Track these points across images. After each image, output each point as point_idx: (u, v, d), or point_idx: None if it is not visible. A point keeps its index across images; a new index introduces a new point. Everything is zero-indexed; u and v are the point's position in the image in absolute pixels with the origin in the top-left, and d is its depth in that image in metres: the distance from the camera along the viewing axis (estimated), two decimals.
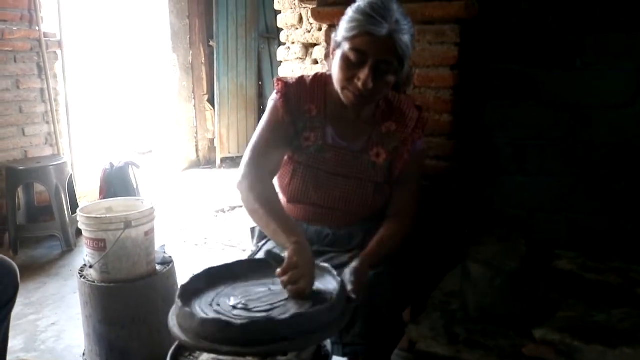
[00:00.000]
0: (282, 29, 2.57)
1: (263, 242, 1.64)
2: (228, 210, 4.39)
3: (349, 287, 1.19)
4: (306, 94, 1.49)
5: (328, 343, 1.21)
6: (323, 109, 1.50)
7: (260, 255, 1.56)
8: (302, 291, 1.15)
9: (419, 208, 1.53)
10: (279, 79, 1.51)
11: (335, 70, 1.39)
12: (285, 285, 1.16)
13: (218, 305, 1.15)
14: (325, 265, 1.28)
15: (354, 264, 1.27)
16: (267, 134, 1.47)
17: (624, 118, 1.67)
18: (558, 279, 1.44)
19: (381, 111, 1.51)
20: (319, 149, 1.48)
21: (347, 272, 1.24)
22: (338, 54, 1.37)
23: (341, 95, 1.41)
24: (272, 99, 1.51)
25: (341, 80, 1.37)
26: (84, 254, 2.10)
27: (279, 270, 1.17)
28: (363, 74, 1.32)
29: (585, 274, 1.50)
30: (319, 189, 1.48)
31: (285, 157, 1.51)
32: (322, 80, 1.51)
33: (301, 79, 1.52)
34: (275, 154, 1.47)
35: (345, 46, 1.34)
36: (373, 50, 1.30)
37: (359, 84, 1.33)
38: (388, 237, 1.43)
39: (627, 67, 1.65)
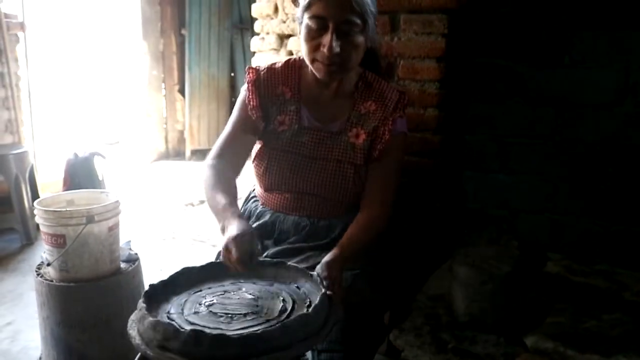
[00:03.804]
0: (256, 19, 2.52)
1: None
2: (197, 204, 4.30)
3: (323, 283, 1.12)
4: (278, 78, 1.48)
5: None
6: (297, 92, 1.47)
7: None
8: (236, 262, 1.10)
9: (396, 198, 1.45)
10: (250, 68, 1.50)
11: (302, 45, 1.36)
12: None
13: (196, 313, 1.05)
14: (299, 266, 1.22)
15: (325, 258, 1.21)
16: (235, 125, 1.46)
17: (612, 118, 1.65)
18: (545, 282, 1.40)
19: (360, 91, 1.47)
20: (294, 133, 1.45)
21: (318, 268, 1.18)
22: (302, 28, 1.35)
23: (314, 71, 1.37)
24: (243, 89, 1.49)
25: (309, 53, 1.35)
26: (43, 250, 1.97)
27: None
28: (326, 39, 1.29)
29: (571, 277, 1.46)
30: (296, 174, 1.43)
31: (259, 146, 1.48)
32: (295, 63, 1.49)
33: (271, 65, 1.50)
34: (243, 146, 1.45)
35: (305, 17, 1.32)
36: (330, 13, 1.28)
37: (325, 49, 1.29)
38: (362, 230, 1.35)
39: (616, 65, 1.63)
